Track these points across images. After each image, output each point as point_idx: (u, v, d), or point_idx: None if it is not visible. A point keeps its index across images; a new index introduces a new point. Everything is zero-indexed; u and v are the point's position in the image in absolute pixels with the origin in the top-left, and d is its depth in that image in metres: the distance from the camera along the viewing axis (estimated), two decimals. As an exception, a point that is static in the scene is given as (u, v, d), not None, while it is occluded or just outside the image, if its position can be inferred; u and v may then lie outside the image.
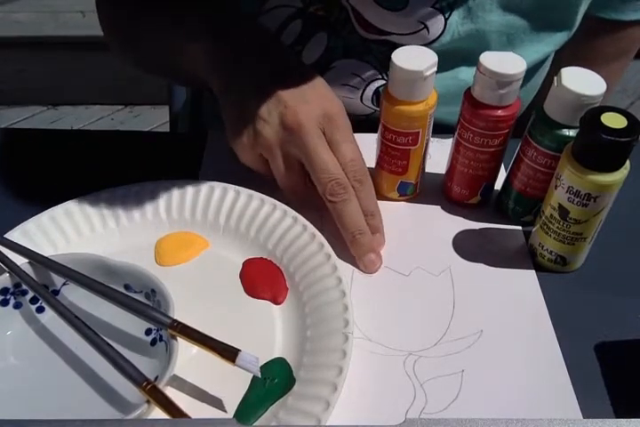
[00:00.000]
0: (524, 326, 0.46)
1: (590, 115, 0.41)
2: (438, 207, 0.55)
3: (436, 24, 0.55)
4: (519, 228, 0.53)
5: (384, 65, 0.59)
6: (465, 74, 0.59)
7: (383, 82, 0.60)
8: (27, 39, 1.72)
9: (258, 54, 0.50)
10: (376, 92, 0.61)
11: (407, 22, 0.55)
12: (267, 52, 0.51)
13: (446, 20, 0.55)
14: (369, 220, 0.49)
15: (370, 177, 0.49)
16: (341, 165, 0.47)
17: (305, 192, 0.50)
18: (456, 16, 0.55)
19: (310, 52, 0.60)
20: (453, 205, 0.55)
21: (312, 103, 0.47)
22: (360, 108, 0.62)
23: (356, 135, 0.60)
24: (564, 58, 0.63)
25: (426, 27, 0.55)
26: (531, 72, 0.63)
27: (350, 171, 0.47)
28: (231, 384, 0.41)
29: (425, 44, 0.55)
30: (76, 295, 0.45)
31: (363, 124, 0.61)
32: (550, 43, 0.59)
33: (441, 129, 0.54)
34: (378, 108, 0.62)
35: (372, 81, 0.61)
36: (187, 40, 0.53)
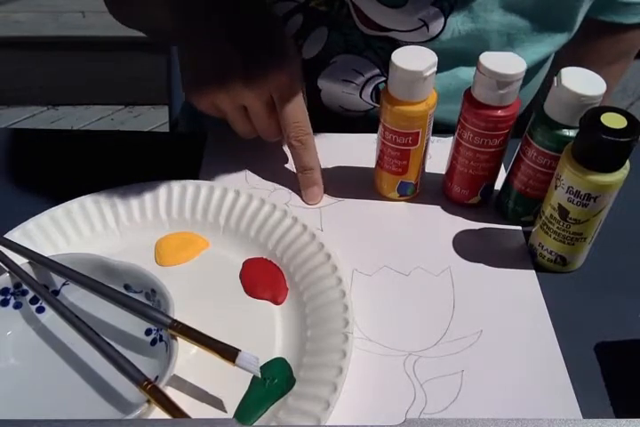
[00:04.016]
0: (524, 326, 0.46)
1: (590, 115, 0.41)
2: (438, 207, 0.55)
3: (436, 22, 0.55)
4: (519, 228, 0.53)
5: (384, 61, 0.59)
6: (464, 73, 0.59)
7: (383, 78, 0.60)
8: (27, 39, 1.72)
9: (219, 9, 0.50)
10: (375, 88, 0.61)
11: (407, 19, 0.55)
12: (227, 8, 0.51)
13: (446, 18, 0.55)
14: (309, 173, 0.53)
15: (312, 139, 0.52)
16: (284, 126, 0.51)
17: (255, 132, 0.53)
18: (456, 15, 0.55)
19: (310, 46, 0.60)
20: (453, 205, 0.55)
21: (262, 74, 0.48)
22: (359, 104, 0.62)
23: (356, 135, 0.61)
24: (564, 59, 0.63)
25: (425, 24, 0.55)
26: (530, 73, 0.63)
27: (292, 132, 0.51)
28: (231, 384, 0.41)
29: (425, 42, 0.56)
30: (75, 295, 0.45)
31: (361, 120, 0.61)
32: (550, 44, 0.59)
33: (440, 127, 0.54)
34: (377, 105, 0.62)
35: (372, 77, 0.61)
36: None
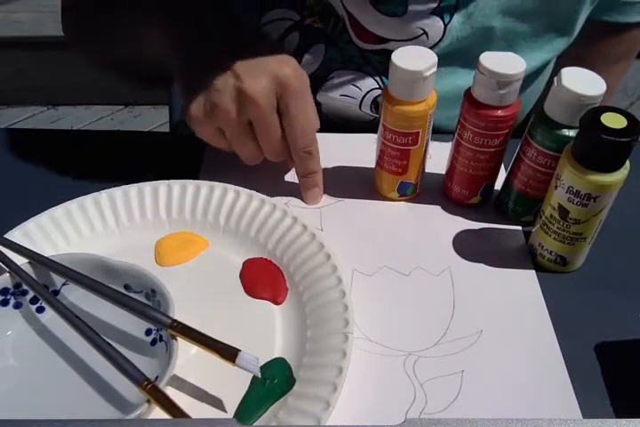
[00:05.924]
0: (524, 326, 0.46)
1: (590, 115, 0.41)
2: (438, 207, 0.55)
3: (436, 29, 0.55)
4: (519, 228, 0.53)
5: (382, 74, 0.60)
6: (463, 79, 0.58)
7: (381, 91, 0.60)
8: (27, 39, 1.72)
9: (215, 31, 0.50)
10: (374, 101, 0.61)
11: (406, 28, 0.55)
12: (224, 28, 0.50)
13: (446, 25, 0.55)
14: (311, 177, 0.53)
15: (317, 145, 0.51)
16: (292, 137, 0.49)
17: (261, 156, 0.51)
18: (456, 21, 0.55)
19: (308, 63, 0.60)
20: (453, 205, 0.55)
21: (266, 74, 0.46)
22: (359, 116, 0.62)
23: (356, 135, 0.61)
24: (566, 60, 0.63)
25: (425, 32, 0.55)
26: (530, 78, 0.63)
27: (300, 143, 0.50)
28: (231, 384, 0.41)
29: None
30: (75, 295, 0.45)
31: (361, 131, 0.61)
32: (550, 49, 0.59)
33: (440, 134, 0.54)
34: (377, 115, 0.62)
35: (370, 91, 0.61)
36: (147, 25, 0.52)
